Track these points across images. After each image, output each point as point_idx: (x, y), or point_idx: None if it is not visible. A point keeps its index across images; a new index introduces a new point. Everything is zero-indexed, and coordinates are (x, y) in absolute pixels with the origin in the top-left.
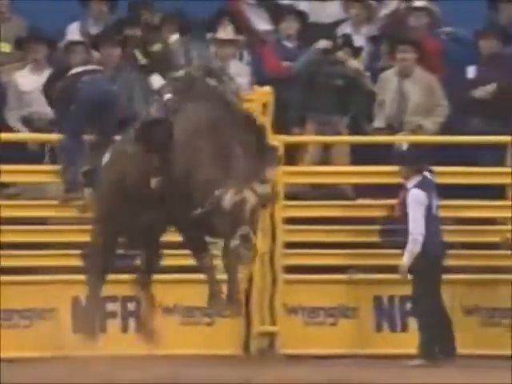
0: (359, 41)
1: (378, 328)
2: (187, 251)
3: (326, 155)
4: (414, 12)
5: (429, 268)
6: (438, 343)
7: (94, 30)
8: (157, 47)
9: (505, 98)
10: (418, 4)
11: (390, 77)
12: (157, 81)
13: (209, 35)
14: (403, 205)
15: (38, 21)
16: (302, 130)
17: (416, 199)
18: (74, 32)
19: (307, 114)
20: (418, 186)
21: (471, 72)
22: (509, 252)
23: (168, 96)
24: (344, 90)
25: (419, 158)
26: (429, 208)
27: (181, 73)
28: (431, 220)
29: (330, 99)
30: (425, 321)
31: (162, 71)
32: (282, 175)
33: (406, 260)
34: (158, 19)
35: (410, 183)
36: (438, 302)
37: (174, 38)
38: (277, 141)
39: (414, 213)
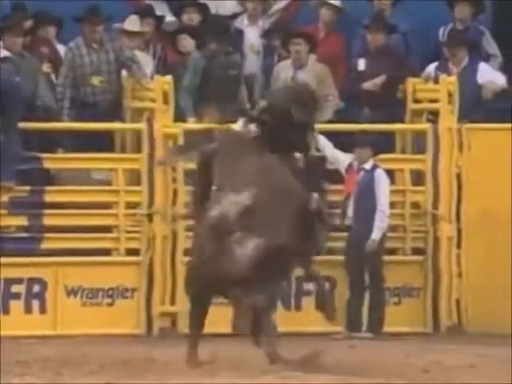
0: (255, 34)
1: None
2: (88, 234)
3: None
4: (326, 6)
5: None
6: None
7: None
8: None
9: (392, 89)
10: (332, 2)
11: (284, 68)
12: None
13: (116, 26)
14: (353, 185)
15: None
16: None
17: (386, 178)
18: None
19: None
20: (379, 167)
21: (361, 64)
22: None
23: None
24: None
25: (375, 142)
26: None
27: None
28: None
29: (225, 88)
30: (381, 299)
31: None
32: None
33: (377, 236)
34: None
35: (368, 165)
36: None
37: None
38: (177, 128)
39: (384, 191)
